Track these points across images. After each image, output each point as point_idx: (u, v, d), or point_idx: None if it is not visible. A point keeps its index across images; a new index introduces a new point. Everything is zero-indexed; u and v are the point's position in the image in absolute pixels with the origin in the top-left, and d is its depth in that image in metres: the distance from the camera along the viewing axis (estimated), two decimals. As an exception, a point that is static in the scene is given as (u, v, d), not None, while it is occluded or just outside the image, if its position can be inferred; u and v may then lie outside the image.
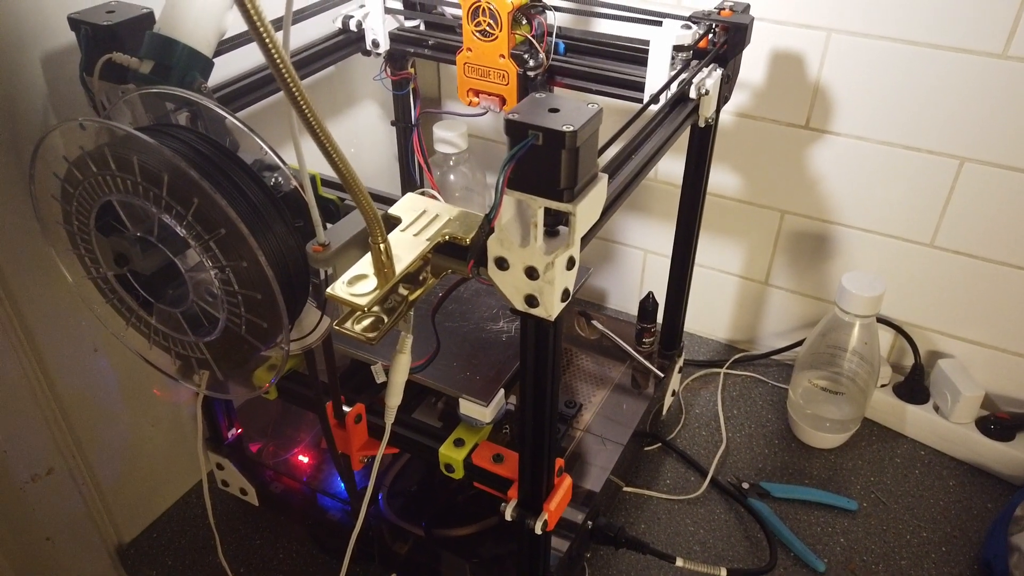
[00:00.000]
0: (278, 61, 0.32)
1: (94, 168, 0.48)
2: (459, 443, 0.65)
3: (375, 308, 0.47)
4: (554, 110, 0.42)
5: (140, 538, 0.82)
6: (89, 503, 0.76)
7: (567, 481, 0.62)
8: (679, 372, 0.93)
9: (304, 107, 0.35)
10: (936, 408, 0.91)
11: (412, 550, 0.75)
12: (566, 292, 0.48)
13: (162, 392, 0.80)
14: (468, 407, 0.65)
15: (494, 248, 0.46)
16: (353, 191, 0.40)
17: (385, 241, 0.44)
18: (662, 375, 0.88)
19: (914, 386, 0.92)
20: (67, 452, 0.73)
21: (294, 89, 0.34)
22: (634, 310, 0.90)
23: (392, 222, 0.49)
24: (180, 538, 0.82)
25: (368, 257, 0.46)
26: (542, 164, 0.42)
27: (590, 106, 0.43)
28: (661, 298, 0.89)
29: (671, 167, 0.98)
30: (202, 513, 0.84)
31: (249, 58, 0.70)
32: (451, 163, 0.96)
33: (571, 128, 0.41)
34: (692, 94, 0.65)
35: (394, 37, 0.83)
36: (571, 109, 0.42)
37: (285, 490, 0.81)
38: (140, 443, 0.80)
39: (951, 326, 0.92)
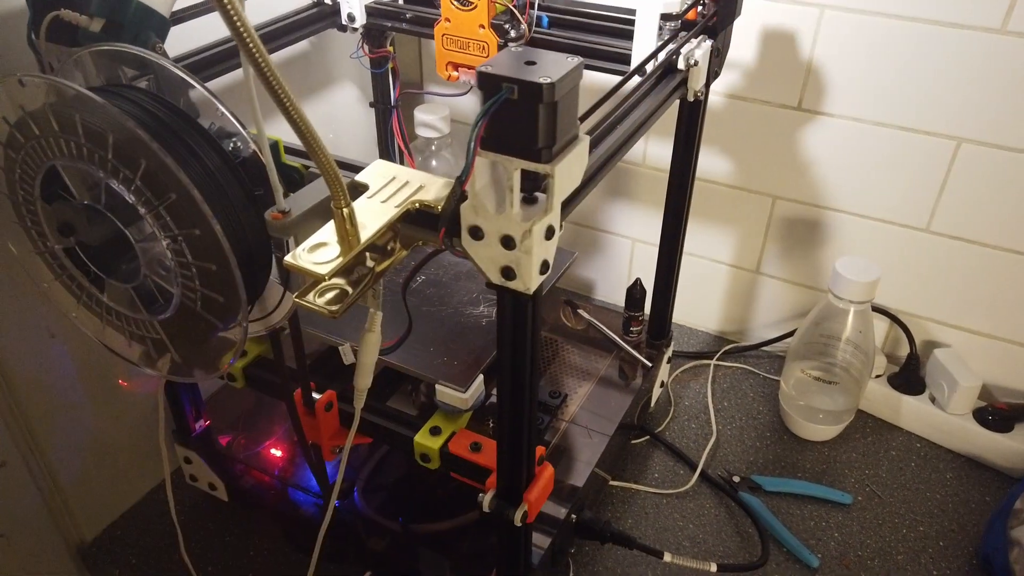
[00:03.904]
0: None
1: (36, 130, 0.45)
2: (435, 431, 0.61)
3: (339, 280, 0.44)
4: (531, 63, 0.39)
5: (103, 536, 0.78)
6: (48, 499, 0.73)
7: (548, 470, 0.58)
8: (668, 363, 0.90)
9: (251, 46, 0.31)
10: (932, 399, 0.88)
11: (389, 547, 0.72)
12: (545, 264, 0.45)
13: (128, 383, 0.77)
14: (445, 393, 0.61)
15: (468, 216, 0.43)
16: (309, 144, 0.37)
17: (348, 206, 0.41)
18: (650, 365, 0.85)
19: (910, 376, 0.89)
20: (22, 445, 0.69)
21: (238, 23, 0.30)
22: (622, 301, 0.87)
23: (359, 189, 0.46)
24: (146, 536, 0.78)
25: (331, 224, 0.43)
26: (518, 121, 0.39)
27: (569, 59, 0.40)
28: (650, 287, 0.86)
29: (660, 152, 0.95)
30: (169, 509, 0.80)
31: (218, 29, 0.66)
32: (433, 148, 0.93)
33: (548, 80, 0.37)
34: (680, 65, 0.63)
35: (370, 11, 0.79)
36: (549, 62, 0.39)
37: (256, 485, 0.78)
38: (103, 436, 0.76)
39: (947, 314, 0.90)
